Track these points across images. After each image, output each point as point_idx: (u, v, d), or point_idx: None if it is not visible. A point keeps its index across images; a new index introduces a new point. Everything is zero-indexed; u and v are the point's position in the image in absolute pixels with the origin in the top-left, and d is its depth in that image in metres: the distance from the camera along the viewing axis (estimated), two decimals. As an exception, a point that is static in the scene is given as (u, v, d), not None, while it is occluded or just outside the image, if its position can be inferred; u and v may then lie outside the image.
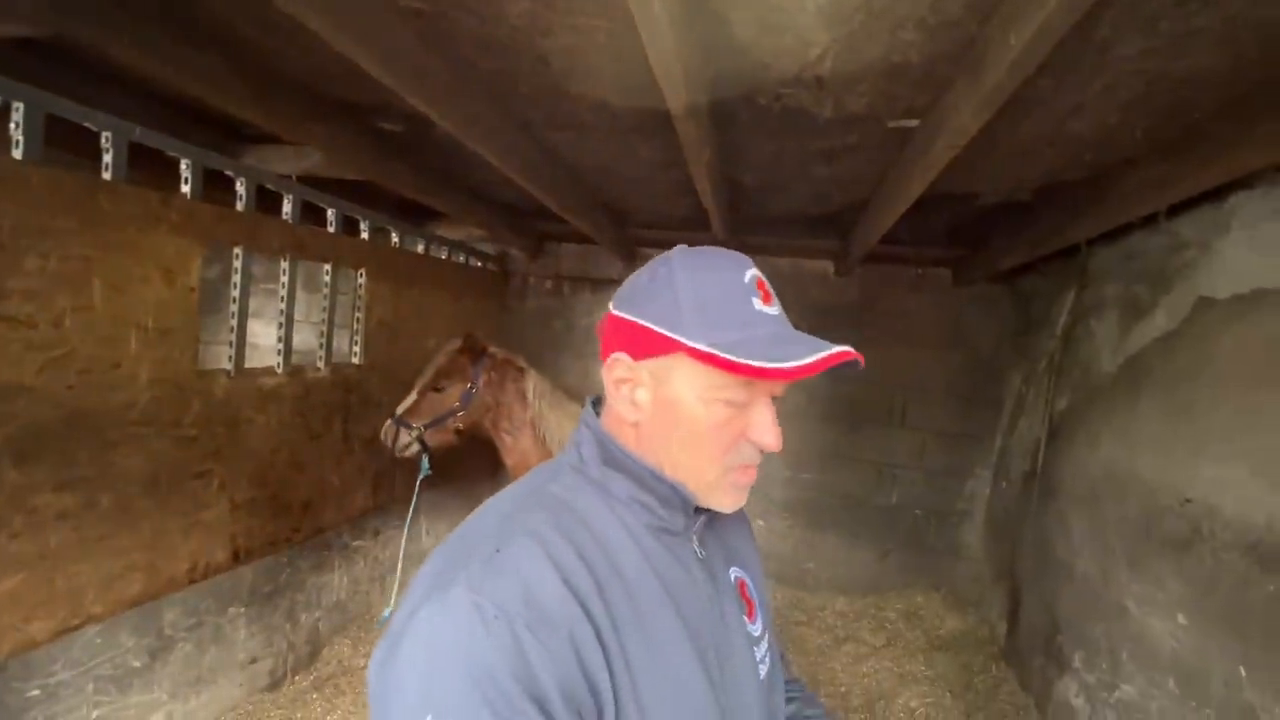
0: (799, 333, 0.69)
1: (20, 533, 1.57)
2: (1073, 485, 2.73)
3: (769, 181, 2.59)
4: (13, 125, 1.54)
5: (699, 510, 0.73)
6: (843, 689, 3.05)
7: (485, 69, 1.72)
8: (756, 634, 0.77)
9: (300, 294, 3.54)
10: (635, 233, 3.93)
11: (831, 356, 0.65)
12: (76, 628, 1.73)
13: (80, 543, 1.71)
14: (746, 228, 3.48)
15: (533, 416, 2.62)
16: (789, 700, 0.86)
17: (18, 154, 1.55)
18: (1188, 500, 1.94)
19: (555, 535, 0.63)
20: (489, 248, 4.23)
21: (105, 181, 1.75)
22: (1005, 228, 2.94)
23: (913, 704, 2.92)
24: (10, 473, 1.54)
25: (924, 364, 3.93)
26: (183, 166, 1.99)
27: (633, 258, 4.21)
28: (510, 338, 4.04)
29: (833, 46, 1.47)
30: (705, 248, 0.74)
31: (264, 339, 3.72)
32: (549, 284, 4.40)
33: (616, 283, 4.26)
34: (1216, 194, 1.96)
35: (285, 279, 2.48)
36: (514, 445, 2.65)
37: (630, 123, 2.03)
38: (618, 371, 0.71)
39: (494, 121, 1.99)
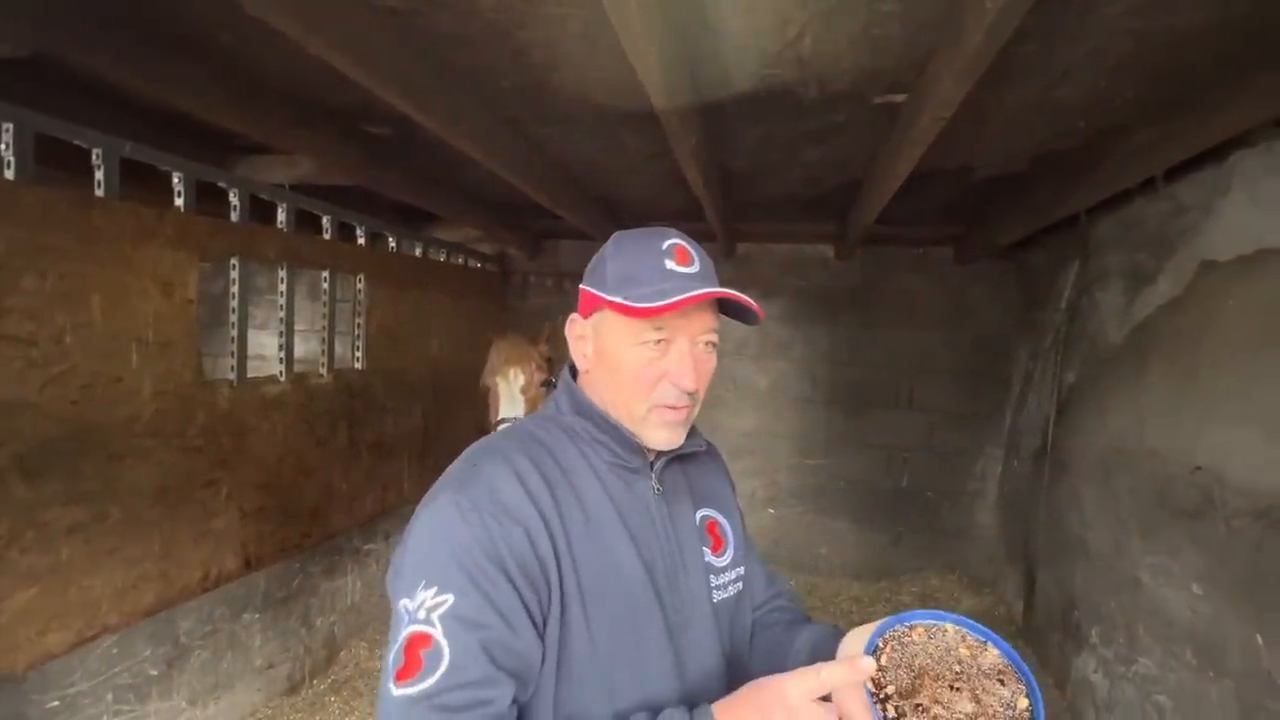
0: (699, 282, 0.78)
1: (31, 547, 1.60)
2: (1083, 459, 2.70)
3: (759, 166, 2.58)
4: (3, 146, 1.56)
5: (664, 454, 0.85)
6: (859, 673, 3.03)
7: (464, 65, 1.72)
8: (721, 565, 0.89)
9: (304, 303, 3.57)
10: (631, 226, 3.92)
11: (700, 295, 0.75)
12: (92, 639, 1.76)
13: (92, 555, 1.74)
14: (741, 215, 3.46)
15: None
16: (773, 622, 0.96)
17: (10, 174, 1.57)
18: (1197, 468, 1.91)
19: (522, 458, 0.77)
20: (487, 248, 4.24)
21: (98, 198, 1.77)
22: (1003, 201, 2.90)
23: (930, 686, 2.90)
24: (19, 488, 1.57)
25: (930, 344, 3.89)
26: (175, 180, 2.00)
27: (631, 252, 4.20)
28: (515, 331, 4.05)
29: (811, 23, 1.46)
30: (645, 228, 0.85)
31: (270, 350, 3.76)
32: (549, 281, 4.40)
33: (616, 277, 4.28)
34: (1216, 154, 1.92)
35: (284, 287, 2.50)
36: None
37: (616, 113, 2.02)
38: (574, 330, 0.87)
39: (478, 118, 1.99)
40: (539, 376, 2.42)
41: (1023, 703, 0.61)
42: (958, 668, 0.64)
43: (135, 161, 1.86)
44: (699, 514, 0.90)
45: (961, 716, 0.60)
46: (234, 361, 2.26)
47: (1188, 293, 2.08)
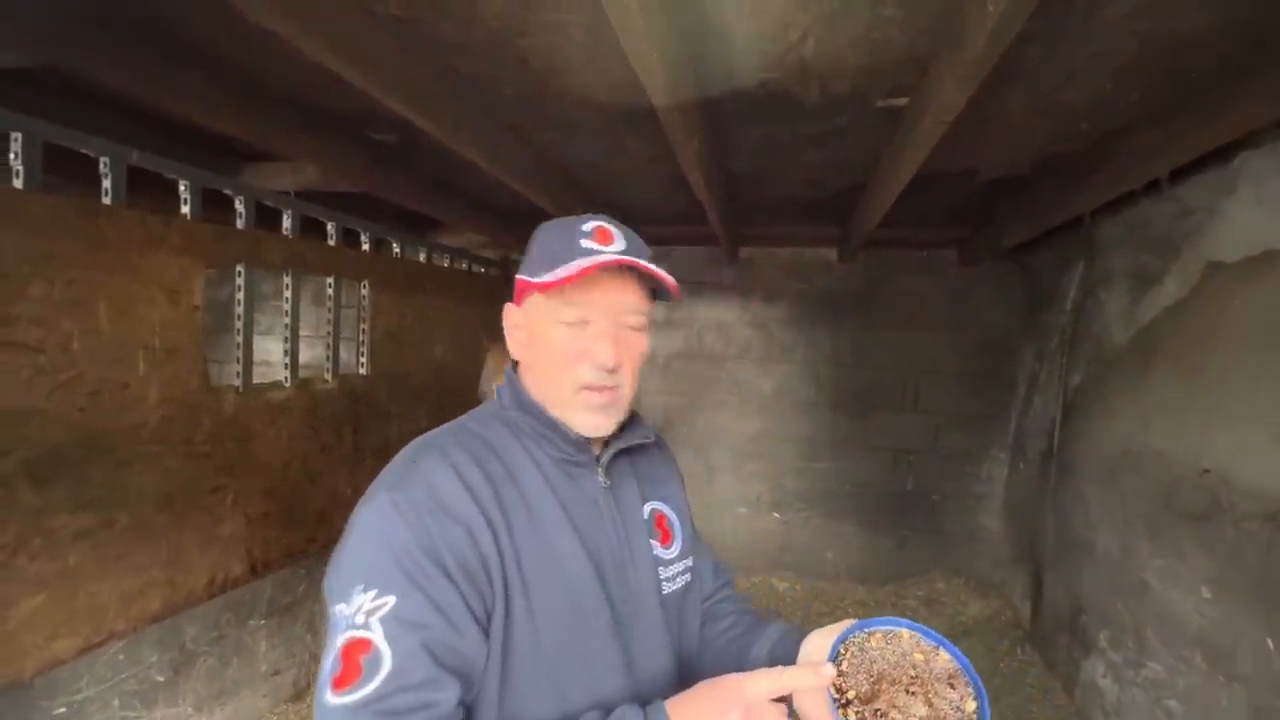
0: (611, 257, 0.76)
1: (39, 554, 1.60)
2: (1090, 461, 2.68)
3: (761, 170, 2.58)
4: (12, 155, 1.57)
5: (611, 447, 0.85)
6: (865, 678, 3.02)
7: (466, 72, 1.73)
8: (669, 557, 0.90)
9: (308, 308, 3.58)
10: (634, 230, 3.92)
11: (598, 263, 0.74)
12: (99, 645, 1.77)
13: (99, 561, 1.75)
14: (744, 218, 3.47)
15: None
16: (723, 614, 0.97)
17: (18, 183, 1.58)
18: (1205, 470, 1.89)
19: (462, 454, 0.76)
20: (490, 253, 4.25)
21: (105, 206, 1.78)
22: (1007, 204, 2.89)
23: (937, 690, 2.88)
24: (27, 495, 1.58)
25: (935, 346, 3.88)
26: (181, 188, 2.02)
27: (634, 256, 4.21)
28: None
29: (813, 27, 1.46)
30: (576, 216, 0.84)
31: (275, 356, 3.78)
32: (553, 286, 4.41)
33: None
34: (1221, 155, 1.92)
35: (289, 293, 2.51)
36: None
37: (618, 118, 2.03)
38: (510, 320, 0.86)
39: (480, 125, 2.00)
40: None
41: (970, 705, 0.65)
42: (913, 672, 0.68)
43: (142, 169, 1.87)
44: (647, 507, 0.90)
45: (915, 717, 0.63)
46: (239, 368, 2.27)
47: (1194, 294, 2.08)
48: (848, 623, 0.73)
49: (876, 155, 2.28)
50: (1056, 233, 2.98)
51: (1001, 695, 2.83)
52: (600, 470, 0.84)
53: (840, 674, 0.67)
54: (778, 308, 4.09)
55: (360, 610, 0.65)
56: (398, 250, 3.22)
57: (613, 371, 0.78)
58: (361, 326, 2.90)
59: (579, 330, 0.78)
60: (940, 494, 3.94)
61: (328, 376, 2.70)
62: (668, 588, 0.87)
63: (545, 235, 0.82)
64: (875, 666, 0.68)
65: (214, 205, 2.11)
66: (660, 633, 0.84)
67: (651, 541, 0.88)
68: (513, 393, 0.84)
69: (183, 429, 1.98)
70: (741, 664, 0.86)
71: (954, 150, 2.07)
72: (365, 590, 0.66)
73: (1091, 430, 2.70)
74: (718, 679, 0.68)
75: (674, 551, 0.91)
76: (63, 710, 1.78)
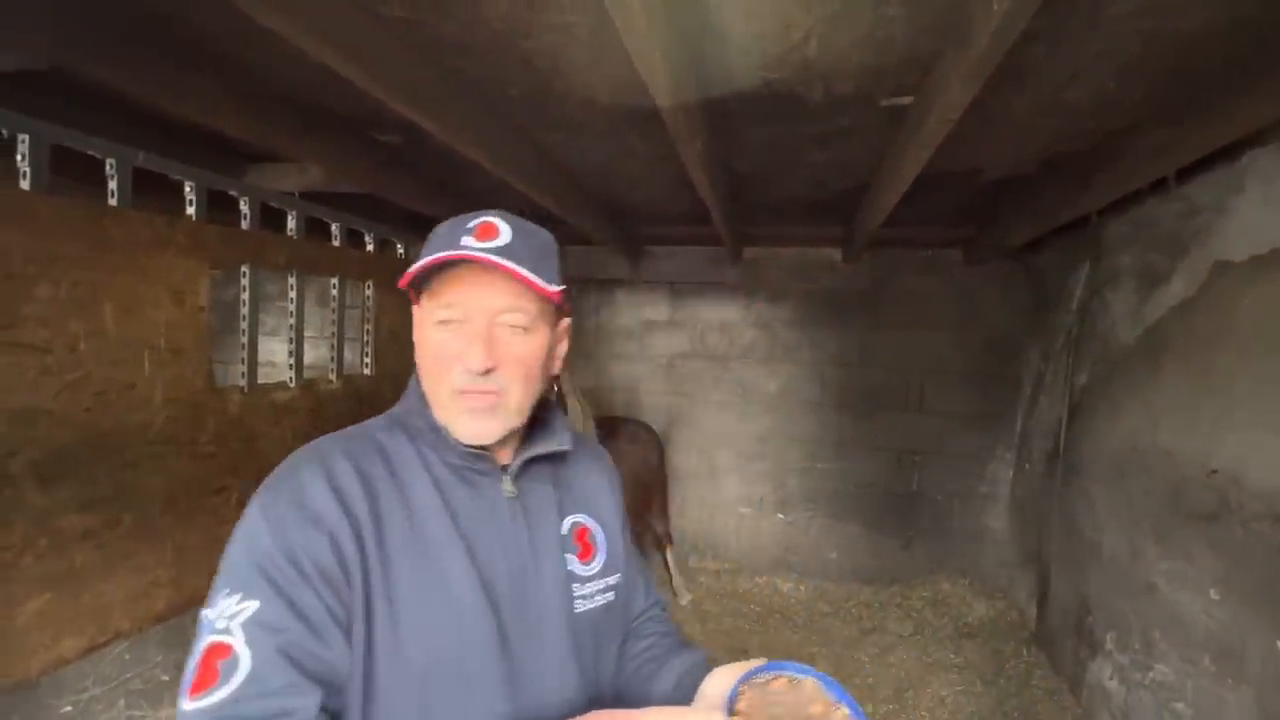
0: (491, 255, 0.73)
1: (46, 553, 1.61)
2: (1096, 462, 2.67)
3: (765, 170, 2.57)
4: (19, 157, 1.59)
5: (522, 456, 0.82)
6: (870, 680, 3.01)
7: (471, 74, 1.73)
8: (588, 574, 0.85)
9: (313, 309, 3.59)
10: (638, 231, 3.93)
11: (445, 256, 0.72)
12: (105, 644, 1.78)
13: (105, 561, 1.76)
14: (748, 219, 3.46)
15: (569, 418, 2.59)
16: (644, 634, 0.93)
17: (25, 185, 1.60)
18: (1213, 471, 1.88)
19: (343, 461, 0.74)
20: (495, 254, 4.26)
21: (111, 207, 1.79)
22: (1013, 203, 2.88)
23: (943, 693, 2.87)
24: (33, 495, 1.59)
25: (940, 346, 3.87)
26: (187, 189, 2.03)
27: (638, 256, 4.21)
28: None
29: (816, 27, 1.46)
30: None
31: (280, 356, 3.79)
32: (556, 287, 4.41)
33: (624, 282, 4.28)
34: (1228, 154, 1.90)
35: (293, 294, 2.52)
36: None
37: (622, 118, 2.03)
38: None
39: (485, 126, 2.00)
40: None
41: None
42: None
43: (148, 171, 1.88)
44: (568, 520, 0.86)
45: None
46: (244, 368, 2.28)
47: (1202, 293, 2.06)
48: (755, 663, 0.71)
49: (881, 155, 2.27)
50: (1062, 232, 2.97)
51: (1007, 697, 2.81)
52: (507, 479, 0.81)
53: (737, 713, 0.66)
54: (782, 308, 4.09)
55: (223, 615, 0.64)
56: (402, 251, 3.23)
57: (486, 374, 0.73)
58: (366, 327, 2.91)
59: (453, 331, 0.74)
60: (945, 494, 3.92)
61: (332, 377, 2.71)
62: (582, 605, 0.83)
63: (434, 233, 0.79)
64: (772, 711, 0.67)
65: (219, 206, 2.12)
66: (563, 653, 0.79)
67: (568, 556, 0.84)
68: (415, 395, 0.81)
69: (188, 429, 1.99)
70: (647, 689, 0.84)
71: (959, 149, 2.06)
72: (230, 595, 0.65)
73: (1098, 430, 2.68)
74: (606, 713, 0.67)
75: (594, 568, 0.86)
76: (69, 709, 1.79)
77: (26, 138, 1.60)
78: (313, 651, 0.65)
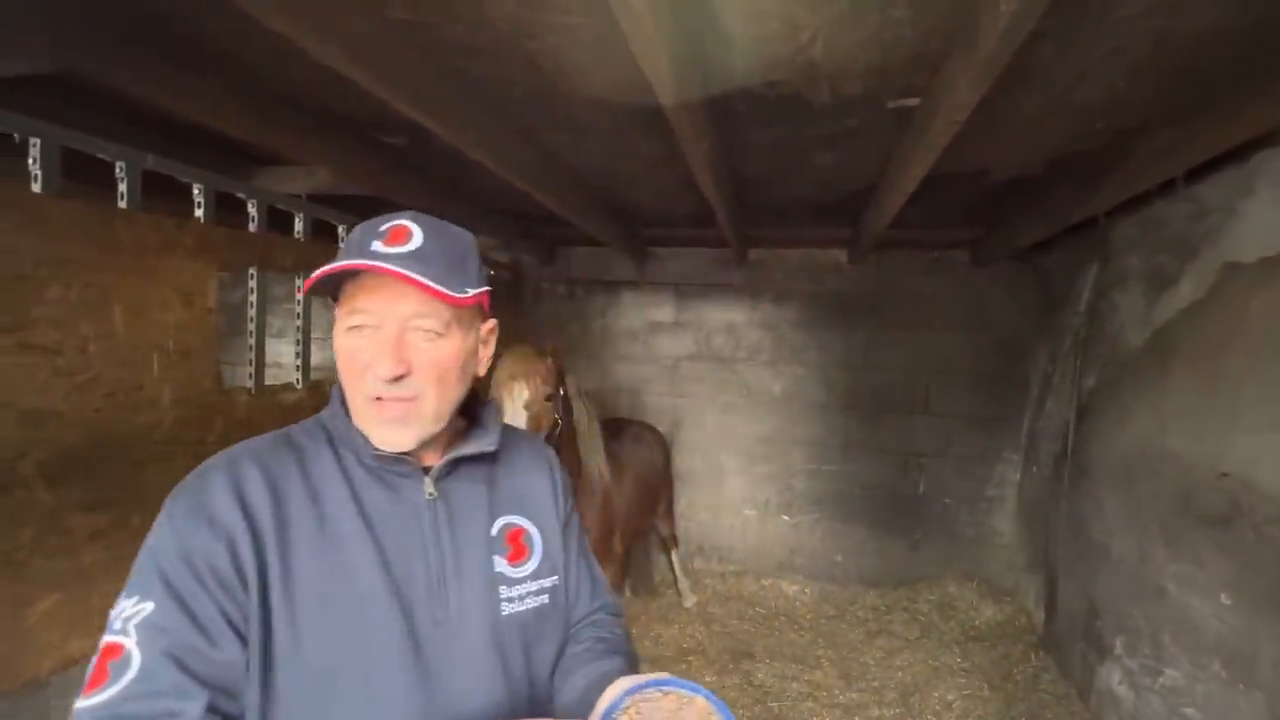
0: (397, 261, 0.72)
1: (55, 553, 1.62)
2: (1105, 465, 2.65)
3: (771, 171, 2.57)
4: (31, 160, 1.60)
5: (448, 457, 0.82)
6: (876, 683, 2.99)
7: (476, 75, 1.73)
8: (519, 576, 0.84)
9: (320, 311, 3.61)
10: (643, 232, 3.93)
11: (340, 267, 0.72)
12: (114, 643, 1.79)
13: (114, 561, 1.76)
14: (753, 220, 3.46)
15: (575, 423, 2.57)
16: (583, 638, 0.91)
17: (37, 188, 1.61)
18: (1224, 474, 1.86)
19: (252, 467, 0.75)
20: (502, 255, 4.27)
21: (121, 210, 1.80)
22: (1020, 204, 2.87)
23: (949, 696, 2.85)
24: (43, 495, 1.60)
25: (946, 348, 3.85)
26: (195, 191, 2.04)
27: (643, 258, 4.21)
28: (527, 341, 4.08)
29: (822, 28, 1.45)
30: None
31: (286, 358, 3.82)
32: (562, 288, 4.42)
33: (629, 284, 4.28)
34: (1238, 154, 1.89)
35: (300, 296, 2.54)
36: (560, 457, 2.47)
37: (627, 120, 2.03)
38: None
39: (490, 127, 2.01)
40: (544, 391, 2.32)
41: None
42: None
43: (156, 174, 1.89)
44: (499, 521, 0.86)
45: None
46: (252, 369, 2.29)
47: (1211, 295, 2.05)
48: (648, 677, 0.71)
49: (887, 156, 2.27)
50: (1070, 233, 2.95)
51: (1015, 701, 2.79)
52: (428, 481, 0.80)
53: None
54: (788, 309, 4.08)
55: (120, 616, 0.66)
56: (408, 253, 3.24)
57: (398, 381, 0.73)
58: (372, 329, 2.91)
59: (366, 338, 0.74)
60: (952, 497, 3.90)
61: (339, 378, 2.71)
62: (510, 608, 0.82)
63: (350, 235, 0.78)
64: None
65: (226, 208, 2.13)
66: (484, 656, 0.79)
67: (496, 558, 0.83)
68: (336, 396, 0.81)
69: (196, 430, 2.00)
70: (559, 698, 0.84)
71: (966, 150, 2.05)
72: (129, 596, 0.67)
73: (1106, 433, 2.66)
74: None
75: (526, 570, 0.85)
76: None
77: (38, 141, 1.61)
78: (204, 654, 0.66)
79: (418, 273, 0.71)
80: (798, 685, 2.95)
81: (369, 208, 3.06)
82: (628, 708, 0.68)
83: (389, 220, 0.78)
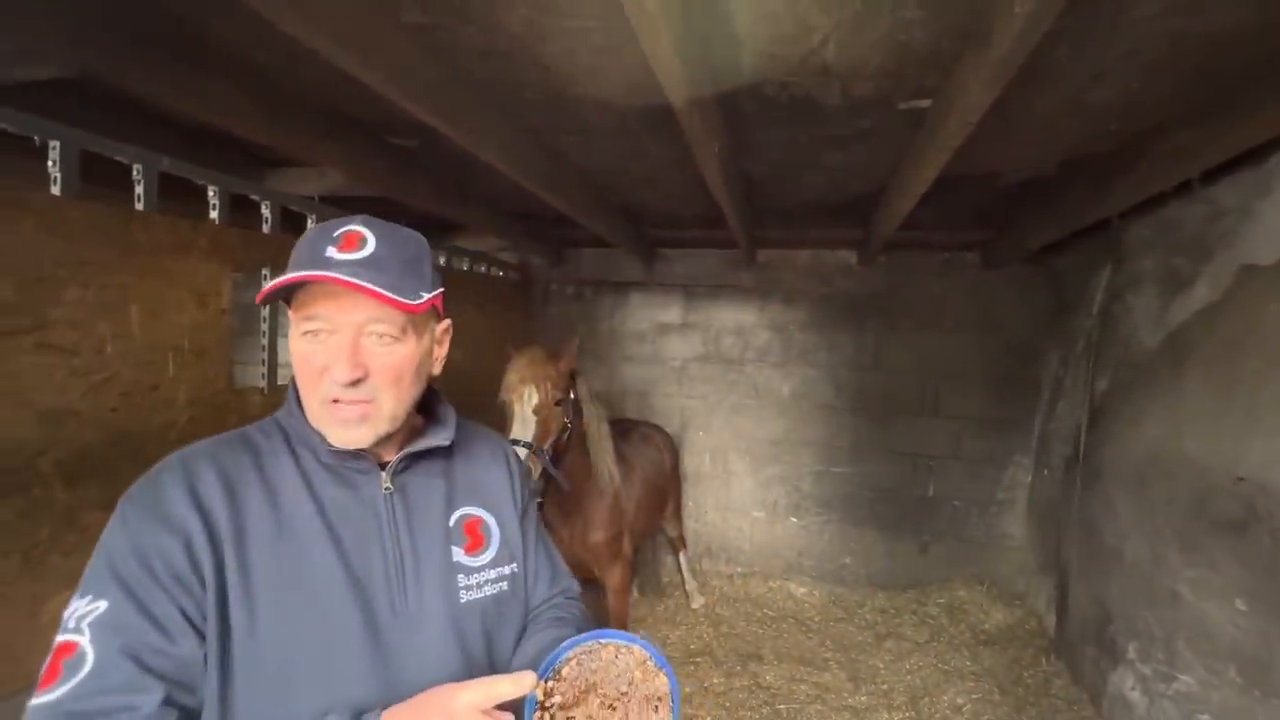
0: (349, 269, 0.74)
1: (72, 551, 1.64)
2: (1118, 468, 2.63)
3: (781, 172, 2.57)
4: (50, 163, 1.62)
5: (405, 453, 0.84)
6: (885, 686, 2.98)
7: (487, 78, 1.74)
8: (476, 565, 0.87)
9: (330, 312, 3.63)
10: (652, 233, 3.93)
11: (296, 278, 0.73)
12: (129, 640, 1.81)
13: (129, 558, 1.79)
14: (763, 221, 3.45)
15: (585, 425, 2.57)
16: (541, 619, 0.95)
17: (56, 190, 1.63)
18: (1240, 479, 1.84)
19: (207, 467, 0.76)
20: (510, 257, 4.28)
21: (138, 212, 1.82)
22: (1032, 206, 2.85)
23: (959, 700, 2.84)
24: (61, 493, 1.62)
25: (956, 350, 3.83)
26: (210, 193, 2.06)
27: (652, 259, 4.22)
28: (537, 344, 4.08)
29: (835, 30, 1.45)
30: (347, 217, 0.82)
31: (298, 357, 3.84)
32: (570, 289, 4.43)
33: (637, 285, 4.28)
34: (1255, 155, 1.87)
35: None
36: (566, 460, 2.44)
37: (637, 122, 2.03)
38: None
39: (501, 130, 2.01)
40: (554, 395, 2.30)
41: None
42: (625, 688, 0.71)
43: (171, 176, 1.91)
44: (457, 513, 0.88)
45: None
46: (264, 370, 2.31)
47: (1227, 298, 2.02)
48: (591, 632, 0.76)
49: (898, 157, 2.26)
50: (1083, 235, 2.93)
51: (1025, 706, 2.77)
52: (385, 475, 0.83)
53: (559, 679, 0.71)
54: (797, 310, 4.07)
55: (74, 615, 0.68)
56: (418, 254, 3.25)
57: (355, 385, 0.75)
58: (383, 329, 2.93)
59: (321, 342, 0.75)
60: (962, 500, 3.88)
61: (350, 378, 2.73)
62: (468, 595, 0.85)
63: (303, 237, 0.80)
64: (593, 677, 0.72)
65: (239, 210, 2.15)
66: (444, 644, 0.81)
67: (454, 548, 0.86)
68: (292, 396, 0.83)
69: (210, 429, 2.00)
70: (515, 658, 0.89)
71: (978, 152, 2.04)
72: (82, 596, 0.69)
73: (1120, 436, 2.64)
74: (438, 688, 0.69)
75: (484, 559, 0.88)
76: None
77: (57, 144, 1.63)
78: (160, 649, 0.68)
79: (371, 280, 0.72)
80: (806, 687, 2.95)
81: (379, 209, 3.08)
82: (569, 659, 0.73)
83: (341, 225, 0.79)
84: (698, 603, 3.75)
